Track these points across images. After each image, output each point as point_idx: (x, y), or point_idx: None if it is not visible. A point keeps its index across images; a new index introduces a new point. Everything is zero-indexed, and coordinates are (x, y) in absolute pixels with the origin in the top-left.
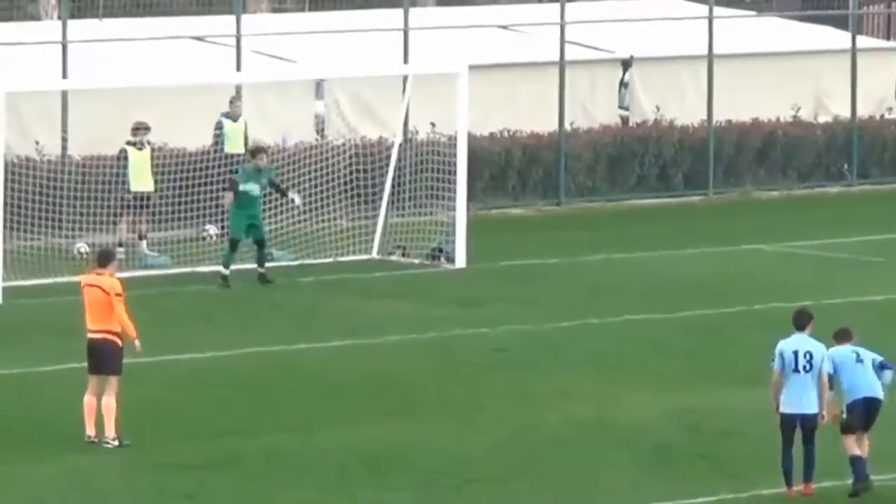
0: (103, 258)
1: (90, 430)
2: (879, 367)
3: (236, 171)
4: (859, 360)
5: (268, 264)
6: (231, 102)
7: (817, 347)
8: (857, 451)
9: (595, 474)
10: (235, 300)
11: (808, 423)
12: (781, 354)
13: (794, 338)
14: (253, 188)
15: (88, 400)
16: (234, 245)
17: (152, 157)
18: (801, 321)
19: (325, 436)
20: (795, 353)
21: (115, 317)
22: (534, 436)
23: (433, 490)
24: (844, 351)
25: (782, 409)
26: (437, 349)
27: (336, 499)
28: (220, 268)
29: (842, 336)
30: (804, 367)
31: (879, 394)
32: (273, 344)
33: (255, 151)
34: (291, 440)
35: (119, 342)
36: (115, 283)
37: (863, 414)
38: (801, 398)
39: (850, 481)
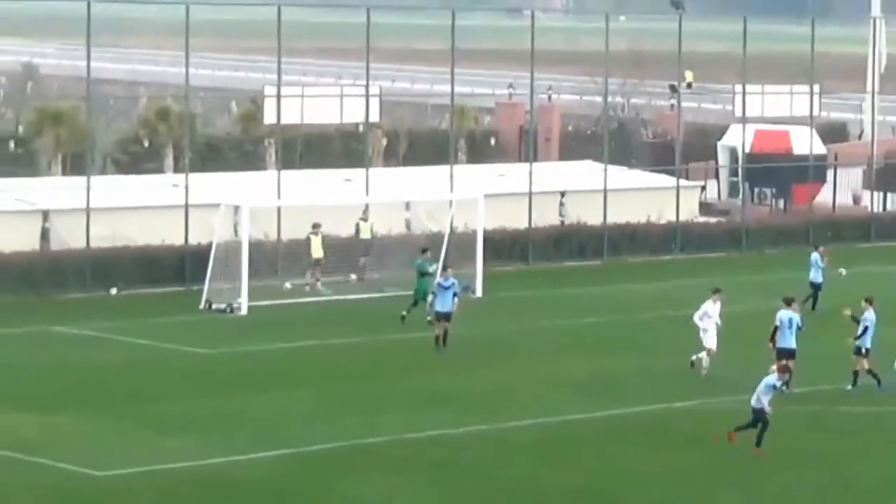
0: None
1: None
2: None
3: (422, 266)
4: None
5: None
6: (364, 215)
7: None
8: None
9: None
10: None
11: None
12: None
13: None
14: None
15: None
16: (416, 302)
17: (323, 240)
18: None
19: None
20: None
21: None
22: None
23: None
24: None
25: None
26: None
27: None
28: (404, 312)
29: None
30: None
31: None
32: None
33: (423, 251)
34: None
35: None
36: None
37: None
38: None
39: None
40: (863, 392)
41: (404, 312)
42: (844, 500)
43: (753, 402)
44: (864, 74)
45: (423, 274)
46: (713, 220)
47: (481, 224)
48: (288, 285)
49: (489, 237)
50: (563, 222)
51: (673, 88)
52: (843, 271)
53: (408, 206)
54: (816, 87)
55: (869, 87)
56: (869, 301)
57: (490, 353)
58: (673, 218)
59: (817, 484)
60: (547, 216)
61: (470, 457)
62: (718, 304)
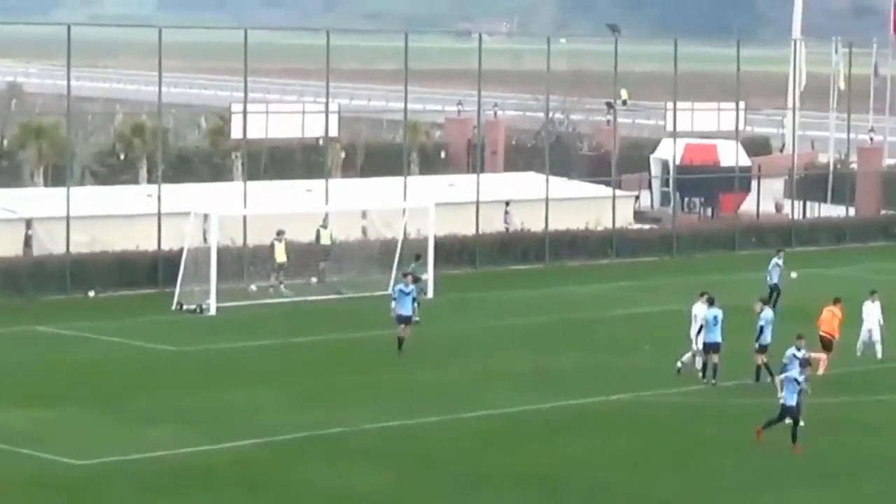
0: None
1: None
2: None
3: (416, 271)
4: None
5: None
6: (324, 222)
7: None
8: None
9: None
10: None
11: None
12: None
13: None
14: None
15: None
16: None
17: (286, 246)
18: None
19: None
20: None
21: None
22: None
23: None
24: None
25: None
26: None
27: None
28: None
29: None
30: None
31: None
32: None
33: (417, 257)
34: None
35: None
36: None
37: None
38: None
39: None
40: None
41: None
42: (771, 486)
43: (785, 400)
44: (785, 92)
45: (416, 279)
46: (646, 226)
47: (432, 231)
48: (253, 287)
49: (440, 243)
50: (507, 229)
51: (609, 105)
52: (795, 274)
53: (364, 214)
54: (742, 104)
55: (790, 104)
56: (764, 301)
57: (442, 351)
58: (609, 225)
59: (746, 471)
60: (493, 223)
61: (425, 446)
62: (705, 306)
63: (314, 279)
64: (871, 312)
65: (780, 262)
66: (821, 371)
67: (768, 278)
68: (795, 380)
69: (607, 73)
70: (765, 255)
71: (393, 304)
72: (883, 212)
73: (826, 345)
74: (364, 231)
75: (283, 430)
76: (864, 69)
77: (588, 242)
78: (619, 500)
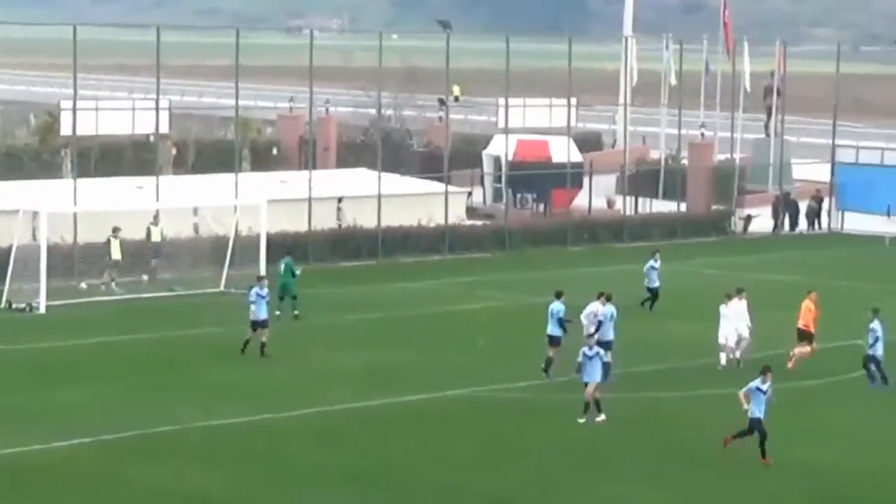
0: None
1: None
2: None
3: (287, 265)
4: None
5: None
6: (155, 220)
7: None
8: None
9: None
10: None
11: None
12: None
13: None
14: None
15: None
16: (282, 298)
17: (121, 243)
18: None
19: None
20: None
21: None
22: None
23: None
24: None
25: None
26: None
27: None
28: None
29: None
30: None
31: None
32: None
33: (288, 252)
34: None
35: None
36: None
37: None
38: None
39: None
40: (615, 382)
41: (295, 312)
42: (602, 482)
43: (752, 413)
44: (617, 88)
45: (293, 274)
46: (479, 223)
47: (264, 228)
48: (83, 285)
49: (271, 240)
50: (340, 226)
51: (441, 101)
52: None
53: (195, 211)
54: (573, 101)
55: (621, 100)
56: (607, 297)
57: (275, 348)
58: (442, 221)
59: (578, 467)
60: (325, 220)
61: (258, 444)
62: (602, 305)
63: (145, 277)
64: (738, 312)
65: (657, 263)
66: (792, 362)
67: (646, 281)
68: (759, 389)
69: (439, 70)
70: (597, 251)
71: (252, 307)
72: (714, 207)
73: (802, 336)
74: (195, 228)
75: (115, 428)
76: (694, 65)
77: (421, 239)
78: (452, 498)
